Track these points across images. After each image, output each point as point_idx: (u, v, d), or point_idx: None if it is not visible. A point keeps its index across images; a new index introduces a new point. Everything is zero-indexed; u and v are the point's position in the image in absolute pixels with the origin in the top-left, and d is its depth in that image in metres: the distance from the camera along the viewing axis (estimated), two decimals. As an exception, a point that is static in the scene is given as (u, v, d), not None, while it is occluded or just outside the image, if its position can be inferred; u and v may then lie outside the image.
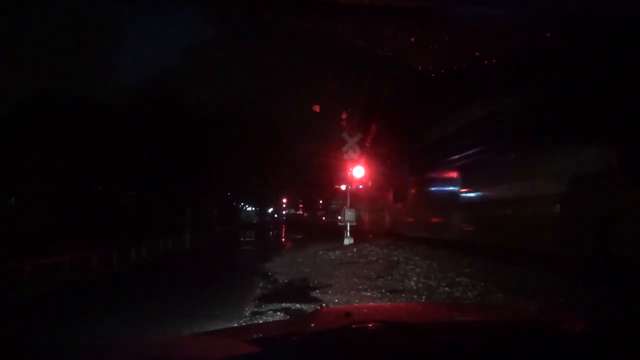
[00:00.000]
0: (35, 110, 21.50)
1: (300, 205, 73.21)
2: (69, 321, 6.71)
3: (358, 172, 16.46)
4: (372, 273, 10.10)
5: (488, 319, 2.30)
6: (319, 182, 37.77)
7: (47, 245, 13.82)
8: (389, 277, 9.40)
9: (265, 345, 1.62)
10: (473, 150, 13.08)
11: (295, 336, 1.84)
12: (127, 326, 6.33)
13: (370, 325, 1.79)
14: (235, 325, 5.98)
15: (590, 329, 1.86)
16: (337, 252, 14.00)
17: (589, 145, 8.08)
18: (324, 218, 47.90)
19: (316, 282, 9.57)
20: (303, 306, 7.28)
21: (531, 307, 5.68)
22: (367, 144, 17.01)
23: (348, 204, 16.77)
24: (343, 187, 18.73)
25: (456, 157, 14.20)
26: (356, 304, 7.10)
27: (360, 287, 8.60)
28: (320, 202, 55.67)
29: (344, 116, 17.41)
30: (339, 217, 18.70)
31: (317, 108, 20.81)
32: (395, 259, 11.63)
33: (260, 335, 1.95)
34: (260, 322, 6.17)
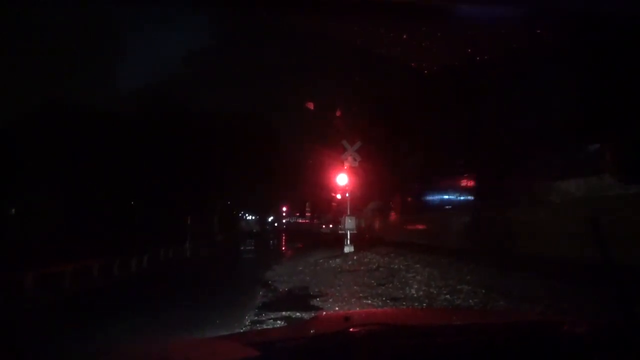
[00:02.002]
0: (38, 119, 21.61)
1: (307, 214, 69.63)
2: (71, 331, 6.71)
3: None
4: (373, 281, 10.09)
5: (487, 322, 2.31)
6: (319, 190, 37.62)
7: (50, 254, 13.81)
8: (390, 285, 9.39)
9: (265, 349, 1.63)
10: (472, 156, 13.10)
11: (295, 340, 1.85)
12: (127, 335, 6.33)
13: (368, 328, 1.80)
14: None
15: (590, 331, 1.87)
16: (338, 260, 13.99)
17: (585, 147, 8.11)
18: (323, 226, 46.81)
19: (317, 290, 9.56)
20: (303, 314, 7.28)
21: (532, 312, 5.67)
22: (366, 150, 17.00)
23: (348, 212, 16.77)
24: (339, 196, 18.69)
25: (454, 161, 14.23)
26: (355, 310, 7.10)
27: (360, 295, 8.59)
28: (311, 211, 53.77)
29: (338, 114, 17.40)
30: (339, 225, 18.67)
31: (310, 105, 20.78)
32: (396, 266, 11.62)
33: (261, 340, 1.97)
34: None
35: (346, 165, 16.23)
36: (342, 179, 16.42)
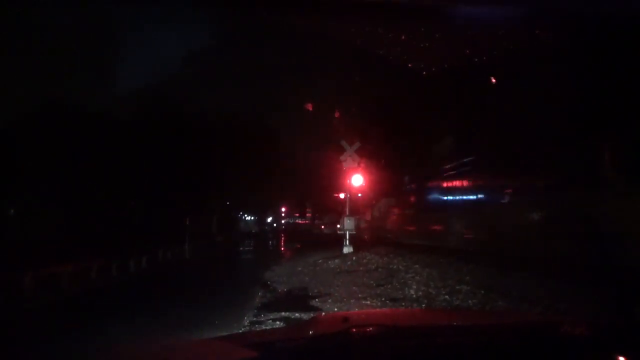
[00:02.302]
0: (38, 119, 21.61)
1: (308, 214, 67.88)
2: (70, 331, 6.72)
3: (357, 180, 16.37)
4: (372, 281, 10.08)
5: (486, 322, 2.31)
6: (319, 190, 37.56)
7: (49, 254, 13.80)
8: (389, 286, 9.38)
9: (264, 350, 1.63)
10: (471, 158, 13.09)
11: (294, 341, 1.85)
12: (126, 336, 6.32)
13: (367, 329, 1.80)
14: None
15: (589, 331, 1.87)
16: (337, 260, 13.97)
17: (584, 148, 8.09)
18: (322, 227, 46.57)
19: (316, 291, 9.55)
20: (302, 315, 7.27)
21: (532, 312, 5.67)
22: (366, 150, 16.97)
23: (347, 212, 16.74)
24: (342, 196, 18.68)
25: (456, 163, 14.21)
26: (354, 311, 7.09)
27: (359, 295, 8.58)
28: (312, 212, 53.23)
29: (336, 115, 17.37)
30: (338, 226, 18.66)
31: (309, 106, 20.79)
32: (395, 267, 11.61)
33: (260, 340, 1.96)
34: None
35: (345, 166, 16.21)
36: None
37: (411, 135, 17.92)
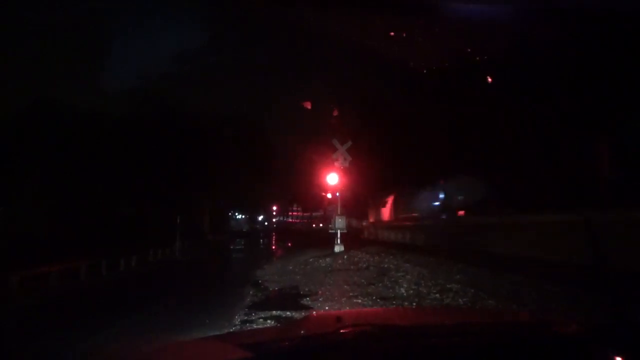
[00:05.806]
0: (28, 118, 21.40)
1: (323, 213, 62.96)
2: (58, 332, 6.66)
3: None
4: (363, 280, 10.08)
5: (478, 321, 2.31)
6: (311, 189, 37.48)
7: (38, 254, 13.67)
8: (380, 284, 9.40)
9: (256, 350, 1.61)
10: (463, 158, 13.15)
11: (287, 340, 1.83)
12: (114, 337, 6.27)
13: (360, 329, 1.79)
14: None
15: (579, 331, 1.88)
16: (328, 259, 13.96)
17: (577, 154, 8.13)
18: (313, 225, 46.67)
19: (307, 289, 9.54)
20: (294, 314, 7.25)
21: (522, 311, 5.70)
22: (358, 150, 16.95)
23: (338, 211, 16.74)
24: (329, 196, 18.68)
25: (447, 164, 14.26)
26: (347, 310, 7.09)
27: (351, 294, 8.58)
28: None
29: (334, 113, 17.32)
30: (330, 225, 18.63)
31: (308, 105, 20.69)
32: (386, 266, 11.63)
33: (251, 340, 1.94)
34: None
35: (336, 164, 16.19)
36: (332, 179, 16.27)
37: (404, 136, 17.92)
